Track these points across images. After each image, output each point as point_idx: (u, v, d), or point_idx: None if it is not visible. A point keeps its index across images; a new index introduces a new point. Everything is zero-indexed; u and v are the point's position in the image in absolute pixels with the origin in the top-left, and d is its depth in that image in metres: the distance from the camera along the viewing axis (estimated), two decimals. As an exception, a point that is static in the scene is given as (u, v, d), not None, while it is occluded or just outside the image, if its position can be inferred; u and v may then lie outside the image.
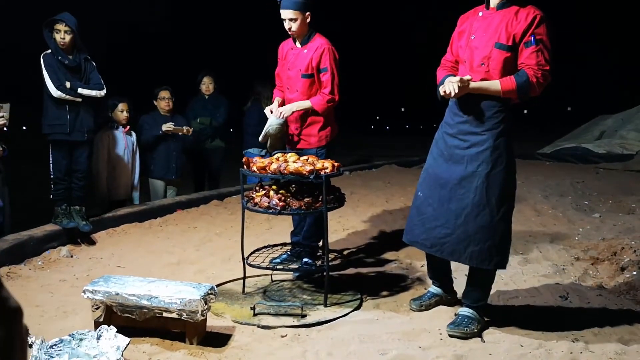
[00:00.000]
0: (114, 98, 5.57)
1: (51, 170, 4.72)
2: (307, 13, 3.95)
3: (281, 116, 3.99)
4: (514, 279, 4.01)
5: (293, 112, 4.02)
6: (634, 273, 3.99)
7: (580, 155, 10.45)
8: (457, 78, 2.95)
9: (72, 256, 4.46)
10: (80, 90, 4.63)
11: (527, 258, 4.52)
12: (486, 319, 3.24)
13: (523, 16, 2.95)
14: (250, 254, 3.87)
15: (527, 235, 5.19)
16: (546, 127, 13.43)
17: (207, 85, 6.79)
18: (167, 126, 5.92)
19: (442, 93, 2.99)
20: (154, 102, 6.15)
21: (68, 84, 4.58)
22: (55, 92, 4.53)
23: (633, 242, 4.61)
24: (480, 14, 3.11)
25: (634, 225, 5.48)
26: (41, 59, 4.58)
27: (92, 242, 4.82)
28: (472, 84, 2.96)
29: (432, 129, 3.38)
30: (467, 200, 3.04)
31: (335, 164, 3.55)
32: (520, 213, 5.83)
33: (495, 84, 2.96)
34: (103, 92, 4.80)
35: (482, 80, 3.01)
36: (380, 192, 7.39)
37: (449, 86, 2.91)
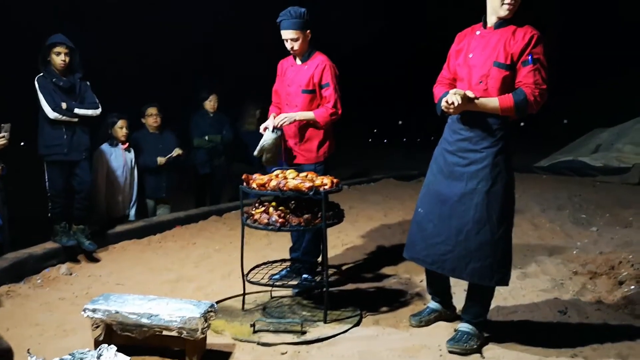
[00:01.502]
0: (113, 115, 5.60)
1: (47, 188, 4.74)
2: (308, 31, 4.02)
3: (280, 125, 4.00)
4: (513, 293, 4.02)
5: (295, 121, 4.05)
6: (632, 287, 4.00)
7: (577, 168, 10.48)
8: (462, 92, 2.97)
9: (71, 274, 4.47)
10: (76, 111, 4.68)
11: (525, 272, 4.53)
12: (486, 335, 3.25)
13: (520, 36, 3.00)
14: (249, 271, 3.88)
15: (526, 249, 5.20)
16: (543, 140, 13.48)
17: (213, 103, 6.81)
18: (161, 161, 6.01)
19: (443, 104, 3.01)
20: (142, 119, 6.17)
21: (64, 105, 4.62)
22: (51, 114, 4.56)
23: (631, 256, 4.63)
24: (478, 32, 3.16)
25: (632, 238, 5.50)
26: (35, 82, 4.62)
27: (95, 260, 4.83)
28: (473, 99, 2.99)
29: (429, 142, 3.43)
30: (467, 217, 3.07)
31: (334, 180, 3.57)
32: (518, 227, 5.84)
33: (493, 102, 3.00)
34: (98, 111, 4.85)
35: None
36: (378, 206, 7.41)
37: (452, 97, 2.94)
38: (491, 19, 3.11)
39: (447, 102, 2.97)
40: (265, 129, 4.07)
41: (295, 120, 4.05)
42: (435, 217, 3.19)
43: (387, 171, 10.57)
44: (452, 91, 3.01)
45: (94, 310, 3.02)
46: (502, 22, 3.07)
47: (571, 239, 5.64)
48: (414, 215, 3.38)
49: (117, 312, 2.99)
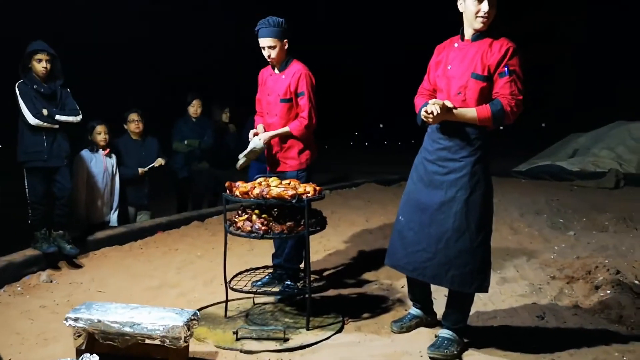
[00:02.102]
0: (93, 121, 5.58)
1: (27, 195, 4.70)
2: (285, 40, 4.06)
3: (261, 142, 4.10)
4: (492, 299, 4.09)
5: (272, 138, 4.13)
6: (608, 292, 4.09)
7: (554, 172, 10.66)
8: (441, 102, 3.04)
9: (51, 281, 4.43)
10: (57, 117, 4.67)
11: (504, 277, 4.60)
12: (466, 340, 3.30)
13: (497, 48, 3.07)
14: (232, 278, 3.89)
15: (505, 254, 5.29)
16: (521, 143, 13.67)
17: (195, 108, 6.82)
18: (141, 171, 6.01)
19: (423, 114, 3.07)
20: (124, 125, 6.15)
21: (45, 112, 4.61)
22: (33, 121, 4.54)
23: (607, 261, 4.73)
24: (456, 45, 3.23)
25: (607, 243, 5.62)
26: (16, 88, 4.59)
27: (76, 266, 4.80)
28: (451, 108, 3.05)
29: (410, 145, 3.45)
30: (447, 225, 3.12)
31: (317, 188, 3.60)
32: (498, 232, 5.92)
33: (471, 112, 3.07)
34: (79, 118, 4.84)
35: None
36: (360, 211, 7.47)
37: (431, 107, 3.00)
38: (468, 32, 3.18)
39: (426, 111, 3.03)
40: (255, 134, 4.15)
41: (272, 137, 4.13)
42: (416, 225, 3.24)
43: (369, 175, 10.64)
44: (431, 101, 3.06)
45: (76, 319, 3.01)
46: (478, 35, 3.14)
47: (549, 244, 5.74)
48: (395, 223, 3.43)
49: (99, 321, 2.98)
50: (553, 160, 11.22)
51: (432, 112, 3.00)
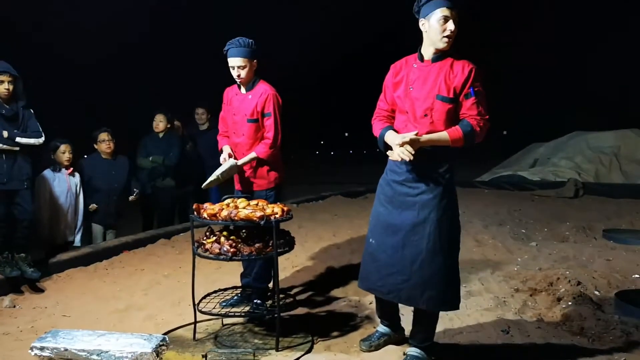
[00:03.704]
0: (56, 140, 5.50)
1: None
2: (255, 61, 4.08)
3: (227, 176, 4.09)
4: (458, 314, 4.14)
5: (244, 165, 4.14)
6: (569, 303, 4.21)
7: (516, 182, 10.92)
8: (405, 138, 3.01)
9: (14, 306, 4.33)
10: (18, 139, 4.59)
11: (470, 291, 4.69)
12: (433, 358, 3.36)
13: (459, 69, 3.10)
14: (200, 300, 3.87)
15: (470, 267, 5.38)
16: (483, 152, 13.96)
17: (156, 123, 6.77)
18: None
19: (397, 158, 3.05)
20: (94, 145, 6.06)
21: (5, 133, 4.53)
22: None
23: (567, 272, 4.87)
24: (415, 65, 3.22)
25: (568, 254, 5.78)
26: None
27: (39, 290, 4.70)
28: (422, 138, 3.06)
29: (375, 155, 3.44)
30: (421, 247, 3.14)
31: (285, 209, 3.62)
32: (462, 244, 5.88)
33: (443, 135, 3.09)
34: (41, 140, 4.77)
35: (428, 131, 3.12)
36: (327, 225, 7.50)
37: (402, 154, 3.00)
38: (428, 52, 3.17)
39: (401, 158, 3.02)
40: (229, 155, 4.17)
41: (241, 165, 4.12)
42: (388, 247, 3.25)
43: (335, 187, 10.71)
44: (398, 141, 3.03)
45: (41, 349, 2.96)
46: (439, 55, 3.15)
47: (512, 255, 5.88)
48: (365, 246, 3.43)
49: (65, 350, 2.93)
50: (515, 170, 11.50)
51: (407, 156, 2.99)
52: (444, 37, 3.07)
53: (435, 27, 3.08)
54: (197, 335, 3.75)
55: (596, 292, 4.53)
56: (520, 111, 20.03)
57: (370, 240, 3.37)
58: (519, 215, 7.93)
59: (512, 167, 11.92)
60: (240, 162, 4.11)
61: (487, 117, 3.13)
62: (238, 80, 4.13)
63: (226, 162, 4.11)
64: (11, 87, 4.59)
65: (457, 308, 3.28)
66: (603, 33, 17.32)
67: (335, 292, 4.73)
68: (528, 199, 9.61)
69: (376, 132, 3.31)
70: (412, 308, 3.46)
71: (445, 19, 3.06)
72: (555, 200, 9.38)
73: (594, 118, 13.73)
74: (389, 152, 3.17)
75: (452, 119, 3.15)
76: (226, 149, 4.23)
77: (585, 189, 10.00)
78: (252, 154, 4.12)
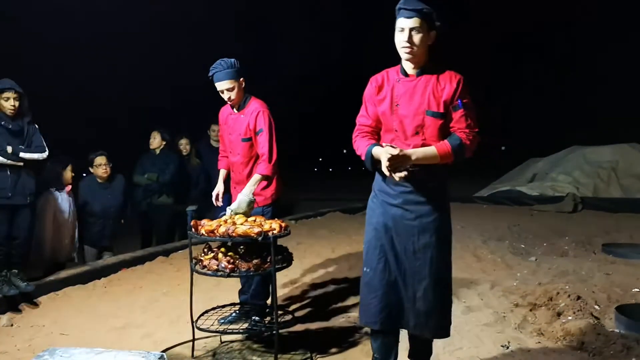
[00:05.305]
0: (63, 159, 5.55)
1: None
2: (241, 79, 4.10)
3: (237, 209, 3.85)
4: (458, 329, 4.13)
5: (253, 190, 3.99)
6: (569, 318, 4.19)
7: (514, 197, 10.91)
8: (389, 154, 2.82)
9: (12, 325, 4.32)
10: (22, 154, 4.63)
11: (469, 306, 4.67)
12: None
13: (446, 81, 2.96)
14: (199, 317, 3.86)
15: (469, 282, 5.37)
16: (482, 167, 13.99)
17: (151, 140, 6.82)
18: None
19: (397, 179, 2.85)
20: (90, 168, 6.05)
21: (10, 149, 4.57)
22: None
23: (567, 286, 4.85)
24: (398, 80, 3.04)
25: (567, 268, 5.77)
26: None
27: (34, 305, 4.69)
28: (408, 152, 2.86)
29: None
30: (424, 272, 2.95)
31: (283, 224, 3.62)
32: (462, 259, 6.04)
33: (431, 150, 2.92)
34: (45, 155, 4.81)
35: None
36: (325, 241, 7.50)
37: (396, 177, 2.83)
38: (408, 65, 3.00)
39: (399, 178, 2.83)
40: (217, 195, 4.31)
41: (250, 193, 3.92)
42: (387, 274, 3.02)
43: (334, 203, 10.71)
44: (384, 162, 2.83)
45: (38, 367, 2.94)
46: (422, 69, 2.97)
47: (511, 270, 5.86)
48: (362, 277, 3.12)
49: (63, 368, 2.92)
50: (513, 185, 11.49)
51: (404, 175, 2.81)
52: (401, 48, 2.92)
53: (395, 39, 2.94)
54: (196, 353, 3.73)
55: (596, 307, 4.51)
56: (518, 126, 20.11)
57: (366, 269, 3.07)
58: (518, 230, 7.92)
59: (510, 182, 11.91)
60: (247, 191, 3.91)
61: (477, 130, 2.95)
62: (229, 103, 4.16)
63: (237, 199, 3.88)
64: (17, 104, 4.65)
65: (449, 334, 3.10)
66: (603, 45, 17.43)
67: (334, 309, 4.72)
68: (527, 214, 9.60)
69: (361, 150, 3.03)
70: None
71: (402, 30, 2.89)
72: (554, 215, 9.38)
73: (592, 132, 13.77)
74: (385, 170, 2.89)
75: (445, 134, 2.97)
76: (220, 177, 4.36)
77: (584, 203, 9.99)
78: (256, 177, 4.04)
